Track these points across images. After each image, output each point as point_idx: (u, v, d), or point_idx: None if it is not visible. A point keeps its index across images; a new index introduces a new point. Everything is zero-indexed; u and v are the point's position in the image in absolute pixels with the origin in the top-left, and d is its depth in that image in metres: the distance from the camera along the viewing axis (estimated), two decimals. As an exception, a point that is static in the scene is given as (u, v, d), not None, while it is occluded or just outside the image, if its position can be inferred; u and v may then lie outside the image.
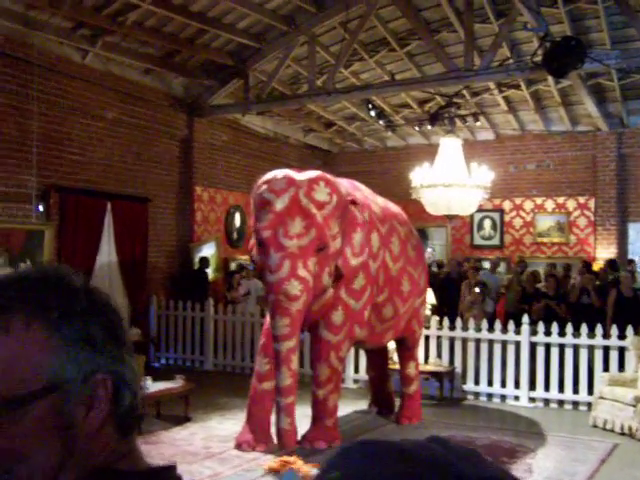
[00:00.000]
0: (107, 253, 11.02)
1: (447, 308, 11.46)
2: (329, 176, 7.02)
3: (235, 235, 14.39)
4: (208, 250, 13.42)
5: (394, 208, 8.25)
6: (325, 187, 6.74)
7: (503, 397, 9.70)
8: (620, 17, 10.78)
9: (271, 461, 6.61)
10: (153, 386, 8.09)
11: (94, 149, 11.12)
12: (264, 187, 6.70)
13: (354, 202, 7.04)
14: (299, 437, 7.01)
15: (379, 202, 7.88)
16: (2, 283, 0.97)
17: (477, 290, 11.11)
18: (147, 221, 11.79)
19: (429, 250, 15.72)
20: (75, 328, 0.94)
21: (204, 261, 12.95)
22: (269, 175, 6.84)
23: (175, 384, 8.37)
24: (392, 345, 8.94)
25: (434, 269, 14.16)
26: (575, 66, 8.73)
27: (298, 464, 6.64)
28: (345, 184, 7.30)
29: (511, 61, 11.77)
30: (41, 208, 10.10)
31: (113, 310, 1.01)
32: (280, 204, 6.50)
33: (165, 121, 12.66)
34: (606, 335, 9.12)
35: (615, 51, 10.19)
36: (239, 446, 7.05)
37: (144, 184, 12.05)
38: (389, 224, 7.72)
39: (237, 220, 14.46)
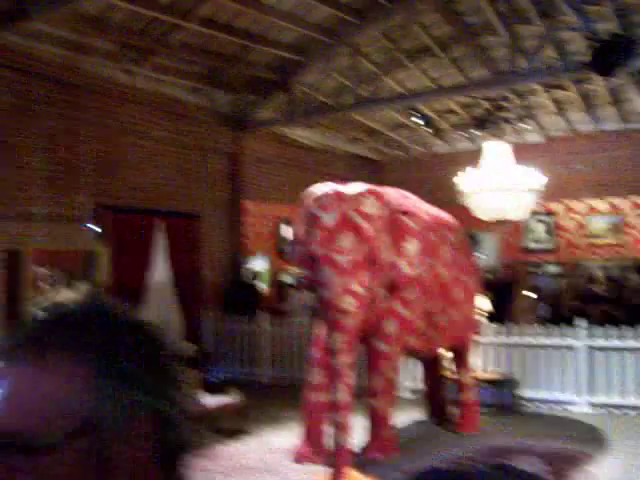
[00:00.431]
0: (161, 270, 11.18)
1: (501, 314, 11.31)
2: (377, 188, 7.00)
3: (284, 247, 14.45)
4: (259, 263, 13.51)
5: (444, 216, 8.20)
6: (374, 200, 6.73)
7: (562, 404, 9.52)
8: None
9: (329, 473, 6.60)
10: (209, 401, 8.16)
11: (144, 168, 11.31)
12: (313, 203, 6.70)
13: (405, 212, 7.00)
14: (356, 449, 7.00)
15: (429, 210, 7.83)
16: (43, 319, 0.97)
17: (532, 295, 10.95)
18: (198, 237, 11.94)
19: (481, 256, 15.56)
20: (115, 365, 0.93)
21: (255, 274, 13.04)
22: (317, 190, 6.84)
23: (230, 398, 8.43)
24: (447, 354, 8.86)
25: (487, 275, 14.01)
26: (623, 64, 8.57)
27: (355, 476, 6.63)
28: (394, 194, 7.28)
29: (557, 62, 11.62)
30: (96, 228, 10.30)
31: (159, 345, 0.99)
32: (330, 220, 6.50)
33: (212, 138, 12.81)
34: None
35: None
36: (297, 459, 7.06)
37: (194, 201, 12.20)
38: (439, 232, 7.67)
39: (286, 232, 14.51)
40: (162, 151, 11.67)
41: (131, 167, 11.06)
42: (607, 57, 8.36)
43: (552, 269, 14.47)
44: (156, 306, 11.09)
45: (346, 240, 6.46)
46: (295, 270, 12.79)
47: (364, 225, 6.55)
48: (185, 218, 11.74)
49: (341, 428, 6.42)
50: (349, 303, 6.37)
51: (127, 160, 11.00)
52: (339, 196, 6.66)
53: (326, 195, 6.69)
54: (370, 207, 6.67)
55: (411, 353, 7.98)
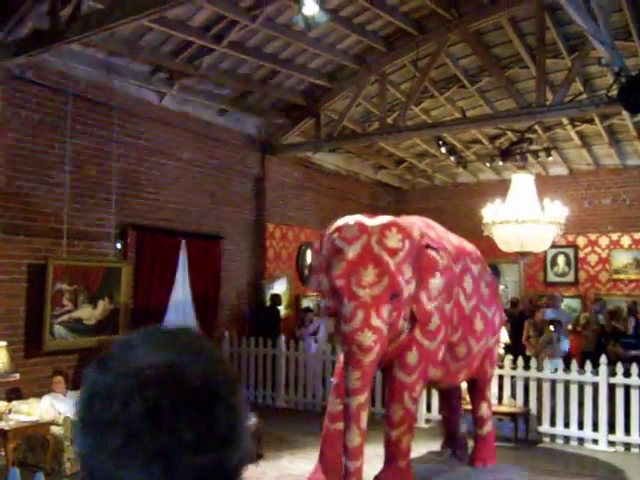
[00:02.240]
0: (181, 290, 11.24)
1: (520, 347, 11.26)
2: (401, 221, 6.98)
3: (307, 271, 14.45)
4: (280, 287, 13.54)
5: (468, 246, 8.18)
6: (397, 233, 6.70)
7: (580, 440, 9.42)
8: (698, 49, 10.56)
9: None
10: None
11: (170, 188, 11.41)
12: (336, 234, 6.68)
13: (429, 246, 6.97)
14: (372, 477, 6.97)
15: (452, 240, 7.82)
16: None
17: (552, 328, 10.88)
18: (220, 258, 11.99)
19: (501, 287, 15.50)
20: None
21: (276, 298, 13.07)
22: (341, 221, 6.82)
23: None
24: (464, 385, 8.81)
25: (507, 307, 13.95)
26: (651, 101, 8.55)
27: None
28: (419, 223, 7.27)
29: (584, 96, 11.63)
30: (119, 246, 10.39)
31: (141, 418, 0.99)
32: (352, 252, 6.50)
33: (238, 160, 12.93)
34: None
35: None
36: (311, 486, 7.03)
37: (217, 222, 12.29)
38: (462, 262, 7.65)
39: (309, 257, 14.52)
40: (188, 172, 11.78)
41: (157, 186, 11.17)
42: (635, 93, 8.36)
43: (573, 303, 14.37)
44: (176, 326, 11.13)
45: (368, 273, 6.44)
46: (315, 295, 12.84)
47: (386, 258, 6.53)
48: (208, 239, 11.81)
49: (352, 476, 6.31)
50: (369, 338, 6.34)
51: (153, 179, 11.12)
52: (362, 228, 6.64)
53: (349, 226, 6.68)
54: (393, 240, 6.64)
55: (431, 384, 7.95)
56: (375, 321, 6.36)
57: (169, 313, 10.90)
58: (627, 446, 9.14)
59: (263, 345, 11.99)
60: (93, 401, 0.97)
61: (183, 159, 11.70)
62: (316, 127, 12.90)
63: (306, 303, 14.06)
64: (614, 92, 9.30)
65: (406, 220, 7.16)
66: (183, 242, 11.26)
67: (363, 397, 6.43)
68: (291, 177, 14.33)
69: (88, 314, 9.74)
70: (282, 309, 13.34)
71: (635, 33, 10.39)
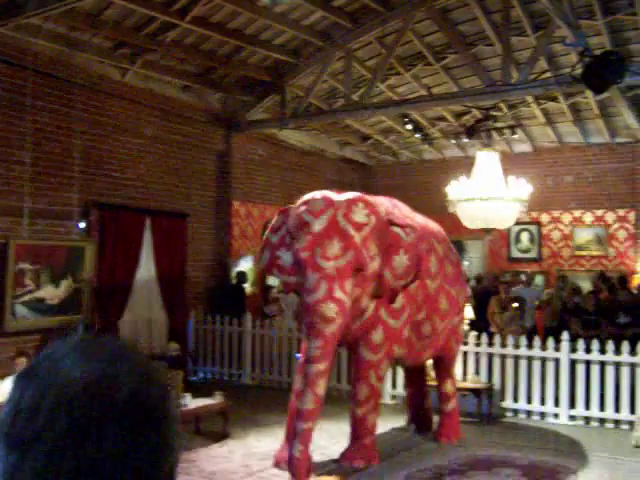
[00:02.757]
0: (146, 268, 11.15)
1: (484, 322, 11.39)
2: (368, 197, 7.02)
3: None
4: (245, 264, 13.50)
5: (433, 226, 8.23)
6: (363, 208, 6.76)
7: (542, 415, 9.59)
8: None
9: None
10: (192, 402, 8.16)
11: (134, 166, 11.28)
12: (303, 208, 6.73)
13: (394, 222, 7.01)
14: (338, 456, 7.05)
15: (418, 220, 7.86)
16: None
17: (515, 305, 11.01)
18: (185, 236, 11.90)
19: (465, 263, 15.64)
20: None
21: (242, 275, 13.04)
22: (307, 196, 6.87)
23: (214, 400, 8.43)
24: (430, 362, 8.90)
25: (472, 283, 14.08)
26: (615, 81, 8.64)
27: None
28: (385, 202, 7.30)
29: (549, 74, 11.69)
30: (82, 225, 10.26)
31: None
32: (318, 225, 6.54)
33: (203, 137, 12.81)
34: (648, 352, 8.98)
35: (656, 64, 10.07)
36: (278, 464, 7.07)
37: (182, 200, 12.19)
38: (427, 242, 7.70)
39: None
40: (152, 149, 11.65)
41: (120, 164, 11.03)
42: (599, 73, 8.42)
43: (536, 279, 14.55)
44: (141, 305, 11.07)
45: (333, 246, 6.48)
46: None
47: (352, 232, 6.58)
48: (173, 217, 11.71)
49: (300, 438, 6.28)
50: (331, 309, 6.38)
51: (116, 157, 10.97)
52: (329, 202, 6.69)
53: (316, 200, 6.73)
54: (359, 214, 6.70)
55: (397, 361, 8.03)
56: (338, 293, 6.40)
57: (134, 292, 10.82)
58: (587, 420, 9.33)
59: (229, 323, 11.98)
60: (17, 415, 0.93)
61: (147, 136, 11.56)
62: (281, 104, 12.81)
63: (271, 280, 14.04)
64: (578, 71, 9.36)
65: (373, 198, 7.19)
66: (148, 220, 11.15)
67: (322, 365, 6.41)
68: (256, 154, 14.24)
69: (51, 294, 9.63)
70: (248, 287, 13.32)
71: (599, 12, 10.45)
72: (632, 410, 8.87)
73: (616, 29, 11.13)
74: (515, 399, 9.76)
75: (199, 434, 8.28)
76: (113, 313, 10.43)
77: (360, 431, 7.11)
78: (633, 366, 9.04)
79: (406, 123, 14.22)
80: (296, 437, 6.35)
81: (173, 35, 10.67)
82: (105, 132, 10.78)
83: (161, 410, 0.98)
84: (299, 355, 8.23)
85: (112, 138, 10.90)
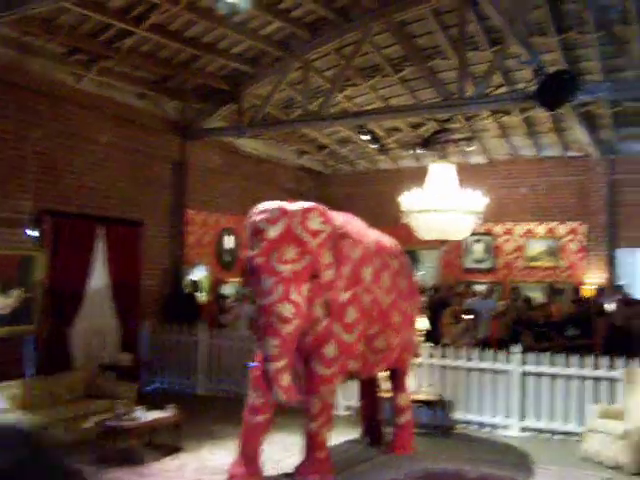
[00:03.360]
0: (99, 277, 11.00)
1: (439, 333, 11.48)
2: (322, 207, 7.07)
3: (227, 257, 14.40)
4: (200, 273, 13.42)
5: (387, 241, 8.28)
6: (319, 216, 6.82)
7: (494, 426, 9.71)
8: (611, 47, 10.90)
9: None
10: (145, 416, 8.07)
11: (88, 173, 11.13)
12: (258, 217, 6.74)
13: (345, 236, 7.08)
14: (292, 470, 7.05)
15: (372, 236, 7.90)
16: None
17: (468, 317, 11.13)
18: (139, 244, 11.77)
19: (420, 273, 15.76)
20: None
21: (196, 284, 12.96)
22: (262, 206, 6.89)
23: (167, 413, 8.34)
24: (384, 374, 8.93)
25: (427, 293, 14.20)
26: (568, 99, 8.81)
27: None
28: (339, 217, 7.33)
29: (504, 89, 11.87)
30: (35, 233, 10.08)
31: None
32: (273, 232, 6.56)
33: (159, 144, 12.70)
34: (597, 365, 9.15)
35: (607, 83, 10.29)
36: (231, 479, 7.03)
37: (137, 207, 12.06)
38: (381, 258, 7.76)
39: (229, 242, 14.48)
40: (107, 156, 11.51)
41: (75, 171, 10.88)
42: (552, 92, 8.58)
43: (493, 293, 14.69)
44: (93, 314, 10.92)
45: (289, 251, 6.51)
46: (237, 280, 12.79)
47: (307, 239, 6.62)
48: (127, 225, 11.58)
49: (280, 374, 6.35)
50: (287, 309, 6.39)
51: (71, 164, 10.82)
52: (284, 211, 6.72)
53: (271, 209, 6.75)
54: (315, 222, 6.75)
55: (350, 376, 8.05)
56: (294, 295, 6.43)
57: (86, 301, 10.67)
58: (537, 432, 9.46)
59: (183, 332, 11.89)
60: None
61: (102, 143, 11.42)
62: (239, 112, 12.77)
63: (226, 289, 14.00)
64: (533, 88, 9.52)
65: (328, 210, 7.21)
66: (101, 228, 11.01)
67: (280, 363, 6.35)
68: (213, 162, 14.18)
69: (1, 303, 9.45)
70: (202, 295, 13.24)
71: (552, 29, 10.65)
72: (581, 422, 9.02)
73: (569, 47, 11.35)
74: (467, 410, 9.86)
75: (151, 447, 8.19)
76: (64, 322, 10.27)
77: (314, 445, 7.10)
78: (582, 378, 9.20)
79: (363, 133, 14.29)
80: (276, 374, 6.34)
81: (130, 42, 10.59)
82: (60, 139, 10.62)
83: None
84: (252, 364, 8.20)
85: (67, 145, 10.75)
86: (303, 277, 6.53)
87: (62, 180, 10.64)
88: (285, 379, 6.45)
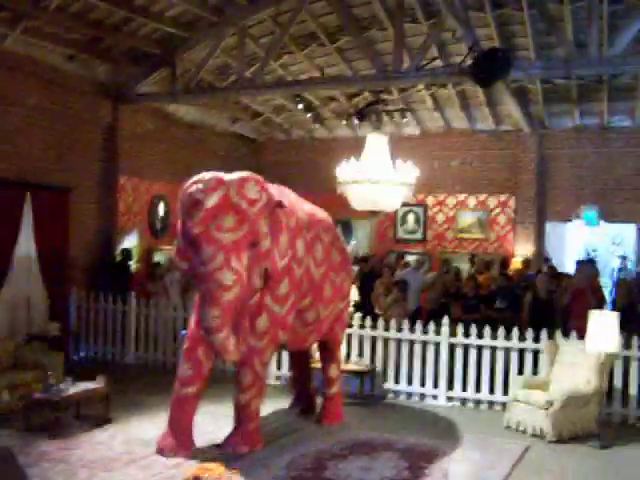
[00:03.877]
0: (26, 245, 10.68)
1: (369, 304, 11.61)
2: (258, 177, 7.03)
3: (159, 225, 14.21)
4: (130, 241, 13.21)
5: (320, 214, 8.28)
6: (255, 185, 6.79)
7: (422, 396, 9.91)
8: (544, 25, 11.05)
9: (193, 467, 6.61)
10: (73, 387, 7.95)
11: (14, 137, 10.78)
12: (193, 187, 6.65)
13: (281, 205, 7.07)
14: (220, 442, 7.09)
15: (305, 208, 7.90)
16: None
17: (398, 289, 11.28)
18: (68, 211, 11.48)
19: (352, 243, 15.87)
20: None
21: (126, 252, 12.76)
22: (197, 176, 6.80)
23: (96, 384, 8.22)
24: (315, 344, 9.00)
25: (358, 263, 14.31)
26: (501, 77, 8.92)
27: (219, 470, 6.67)
28: (272, 190, 7.30)
29: (439, 62, 11.94)
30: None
31: None
32: (211, 201, 6.49)
33: (89, 109, 12.37)
34: (522, 338, 9.40)
35: (539, 61, 10.45)
36: (161, 451, 7.00)
37: (65, 173, 11.75)
38: (314, 231, 7.77)
39: (161, 210, 14.27)
40: (34, 120, 11.16)
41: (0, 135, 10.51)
42: (486, 69, 8.67)
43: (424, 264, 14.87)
44: (20, 283, 10.65)
45: (227, 220, 6.48)
46: (168, 248, 12.65)
47: (245, 207, 6.59)
48: (55, 191, 11.26)
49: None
50: (228, 277, 6.37)
51: (-5, 128, 10.46)
52: (220, 181, 6.65)
53: (207, 180, 6.67)
54: (252, 191, 6.72)
55: (281, 347, 8.09)
56: (235, 263, 6.44)
57: (12, 269, 10.39)
58: (464, 401, 9.71)
59: (113, 301, 11.73)
60: None
61: (29, 106, 11.06)
62: (172, 77, 12.52)
63: (157, 257, 13.83)
64: (467, 63, 9.61)
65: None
66: (28, 194, 10.68)
67: (223, 333, 6.43)
68: (144, 128, 13.89)
69: None
70: (132, 264, 13.05)
71: (488, 5, 10.73)
72: (505, 392, 9.28)
73: (503, 22, 11.47)
74: (397, 381, 10.04)
75: (79, 419, 8.09)
76: (-11, 290, 10.00)
77: (244, 417, 7.14)
78: (508, 350, 9.45)
79: (298, 102, 14.22)
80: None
81: (58, 1, 10.23)
82: (-17, 101, 10.24)
83: None
84: (185, 332, 8.16)
85: (-10, 108, 10.37)
86: (243, 245, 6.53)
87: (-15, 145, 10.28)
88: (231, 344, 6.54)
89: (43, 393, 7.72)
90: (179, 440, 7.05)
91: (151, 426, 7.93)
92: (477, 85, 10.04)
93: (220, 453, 6.99)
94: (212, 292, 6.39)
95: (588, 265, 11.29)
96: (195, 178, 6.79)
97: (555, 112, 14.64)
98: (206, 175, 6.76)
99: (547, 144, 15.01)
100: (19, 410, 8.08)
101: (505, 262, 13.38)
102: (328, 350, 8.59)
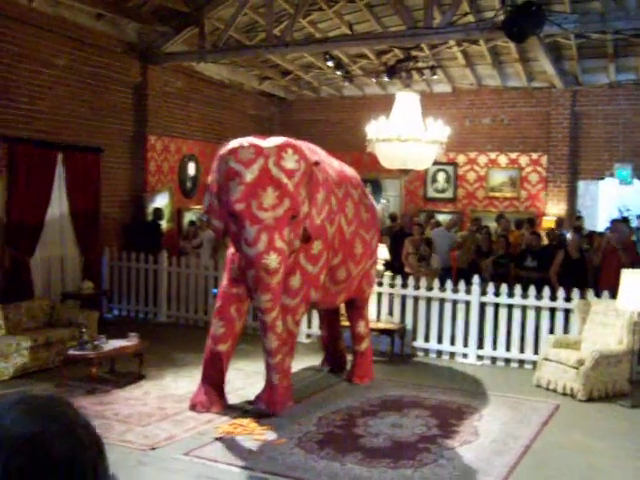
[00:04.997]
0: (58, 205, 10.83)
1: (399, 262, 11.61)
2: (294, 141, 6.96)
3: (189, 184, 14.26)
4: (161, 200, 13.29)
5: (349, 171, 8.26)
6: (293, 154, 6.70)
7: (452, 354, 9.94)
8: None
9: (225, 424, 6.73)
10: (107, 344, 8.09)
11: (44, 97, 10.81)
12: (231, 157, 6.56)
13: (317, 163, 7.07)
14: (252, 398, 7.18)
15: (335, 165, 7.88)
16: None
17: (424, 247, 11.26)
18: (99, 172, 11.57)
19: (383, 202, 15.82)
20: None
21: (158, 212, 12.85)
22: (234, 144, 6.68)
23: (129, 342, 8.37)
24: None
25: (388, 222, 14.29)
26: (534, 32, 8.73)
27: (251, 426, 6.78)
28: (305, 148, 7.26)
29: (470, 17, 11.71)
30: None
31: None
32: (250, 175, 6.44)
33: (118, 68, 12.35)
34: (553, 297, 9.35)
35: (574, 15, 10.20)
36: (193, 407, 7.13)
37: (96, 134, 11.79)
38: (344, 188, 7.76)
39: (191, 169, 14.31)
40: (64, 80, 11.17)
41: (30, 95, 10.55)
42: (519, 24, 8.49)
43: (457, 225, 14.76)
44: (53, 242, 10.80)
45: (268, 197, 6.45)
46: (199, 207, 12.71)
47: (285, 180, 6.55)
48: (87, 152, 11.34)
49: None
50: (274, 260, 6.42)
51: (25, 87, 10.48)
52: (258, 150, 6.56)
53: (244, 149, 6.57)
54: (290, 161, 6.65)
55: (312, 306, 8.14)
56: (279, 243, 6.48)
57: (45, 229, 10.53)
58: (494, 360, 9.72)
59: (144, 260, 11.85)
60: None
61: (58, 66, 11.06)
62: (200, 36, 12.44)
63: (189, 216, 13.91)
64: (500, 18, 9.41)
65: (297, 142, 7.13)
66: (60, 155, 10.78)
67: (275, 313, 6.69)
68: (173, 87, 13.86)
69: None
70: (164, 223, 13.15)
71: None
72: (536, 351, 9.27)
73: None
74: (426, 339, 10.06)
75: (114, 375, 8.25)
76: (24, 251, 10.15)
77: (276, 374, 7.21)
78: (538, 309, 9.42)
79: (327, 60, 14.06)
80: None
81: (86, -40, 10.16)
82: (12, 61, 10.24)
83: (93, 473, 1.01)
84: (216, 290, 8.23)
85: (20, 67, 10.38)
86: (284, 221, 6.55)
87: (16, 105, 10.31)
88: (279, 326, 6.77)
89: (78, 350, 7.88)
90: (211, 396, 7.17)
91: (184, 383, 8.07)
92: (510, 41, 9.83)
93: (252, 410, 7.10)
94: (261, 278, 6.49)
95: (622, 224, 11.14)
96: (231, 145, 6.67)
97: (589, 68, 14.31)
98: (243, 142, 6.66)
99: (581, 101, 14.72)
100: (55, 366, 8.28)
101: (533, 221, 13.24)
102: (356, 307, 8.62)
